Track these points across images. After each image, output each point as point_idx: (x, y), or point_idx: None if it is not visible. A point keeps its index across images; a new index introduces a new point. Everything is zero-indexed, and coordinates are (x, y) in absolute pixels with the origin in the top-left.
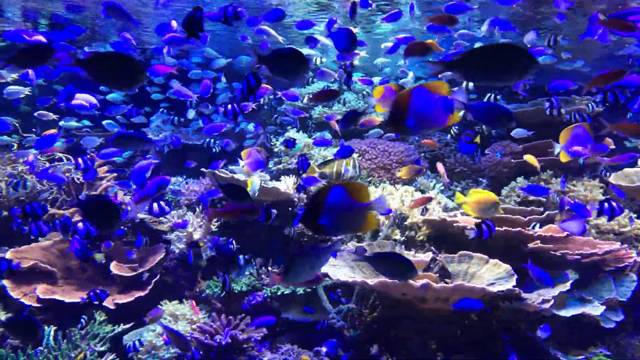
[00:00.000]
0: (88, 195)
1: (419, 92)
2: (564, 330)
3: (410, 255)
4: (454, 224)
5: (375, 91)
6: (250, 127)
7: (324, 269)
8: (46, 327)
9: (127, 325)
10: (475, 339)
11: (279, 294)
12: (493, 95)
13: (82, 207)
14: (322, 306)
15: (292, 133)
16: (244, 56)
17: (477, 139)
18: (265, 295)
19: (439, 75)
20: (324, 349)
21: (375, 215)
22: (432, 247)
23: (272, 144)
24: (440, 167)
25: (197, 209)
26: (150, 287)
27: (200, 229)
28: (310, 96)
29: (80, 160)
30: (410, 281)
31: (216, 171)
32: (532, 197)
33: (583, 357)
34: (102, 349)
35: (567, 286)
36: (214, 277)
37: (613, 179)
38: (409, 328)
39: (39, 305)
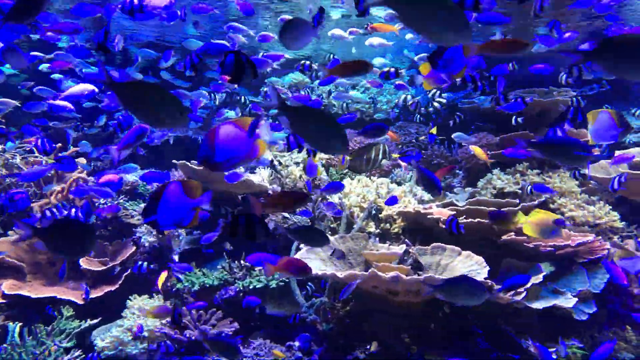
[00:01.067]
0: (53, 220)
1: (225, 129)
2: (538, 322)
3: (384, 247)
4: (428, 216)
5: (422, 68)
6: (232, 114)
7: None
8: (11, 324)
9: (95, 321)
10: (448, 331)
11: (251, 287)
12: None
13: (44, 234)
14: (295, 300)
15: None
16: (192, 39)
17: (434, 130)
18: (237, 289)
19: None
20: (296, 343)
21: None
22: (406, 240)
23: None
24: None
25: None
26: (120, 282)
27: None
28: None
29: (39, 141)
30: (380, 273)
31: (188, 163)
32: (508, 189)
33: (554, 349)
34: (68, 345)
35: (539, 278)
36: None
37: (589, 171)
38: (381, 321)
39: (4, 301)
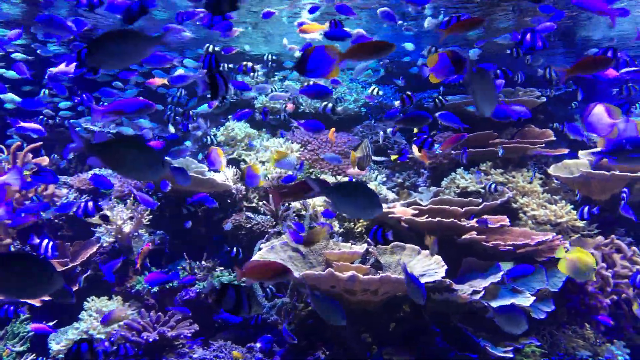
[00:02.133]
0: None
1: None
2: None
3: (346, 246)
4: (390, 215)
5: (429, 60)
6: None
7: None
8: None
9: (50, 324)
10: (408, 330)
11: None
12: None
13: None
14: (257, 301)
15: (232, 123)
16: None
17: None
18: (198, 290)
19: None
20: (258, 345)
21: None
22: (368, 239)
23: (213, 133)
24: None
25: (128, 201)
26: (80, 284)
27: (130, 222)
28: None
29: None
30: (337, 273)
31: None
32: (471, 188)
33: (511, 347)
34: (21, 349)
35: (498, 277)
36: (146, 272)
37: (552, 170)
38: None
39: None
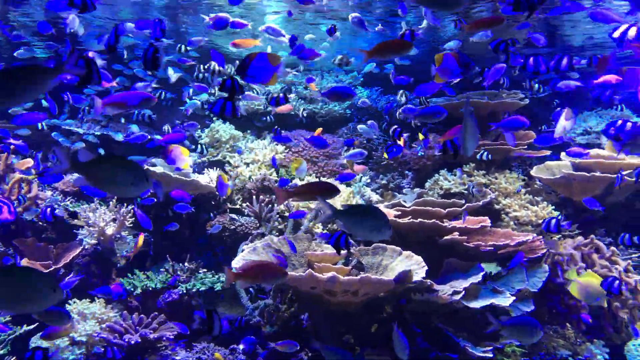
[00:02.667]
0: None
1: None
2: (481, 321)
3: (329, 247)
4: None
5: (435, 59)
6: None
7: (235, 264)
8: None
9: (32, 326)
10: (389, 331)
11: (193, 290)
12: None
13: None
14: (240, 303)
15: (217, 125)
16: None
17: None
18: (181, 292)
19: None
20: (241, 347)
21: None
22: (352, 240)
23: (198, 135)
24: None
25: (110, 202)
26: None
27: (113, 224)
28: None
29: None
30: (317, 274)
31: None
32: (454, 190)
33: (491, 347)
34: (2, 352)
35: (478, 278)
36: (129, 274)
37: (535, 171)
38: (323, 322)
39: None
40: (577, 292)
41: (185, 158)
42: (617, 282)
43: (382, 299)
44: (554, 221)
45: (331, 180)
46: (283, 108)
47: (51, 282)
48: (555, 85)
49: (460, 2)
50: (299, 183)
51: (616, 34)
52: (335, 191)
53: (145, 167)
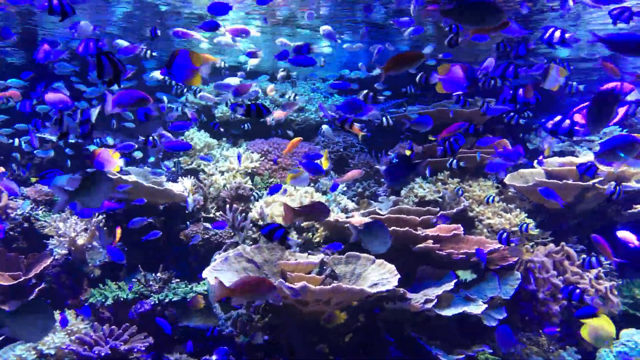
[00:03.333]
0: None
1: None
2: (455, 329)
3: (303, 256)
4: (346, 225)
5: (440, 69)
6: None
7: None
8: None
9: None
10: (362, 340)
11: (166, 301)
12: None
13: None
14: (213, 312)
15: (192, 132)
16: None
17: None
18: (154, 303)
19: None
20: (214, 357)
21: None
22: (325, 248)
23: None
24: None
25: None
26: (32, 297)
27: (85, 234)
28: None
29: None
30: (288, 284)
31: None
32: (429, 198)
33: (463, 356)
34: None
35: (451, 285)
36: (101, 284)
37: (508, 179)
38: (296, 332)
39: None
40: (587, 334)
41: (115, 161)
42: (578, 290)
43: (355, 307)
44: (505, 235)
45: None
46: (279, 114)
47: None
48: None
49: (499, 16)
50: (290, 190)
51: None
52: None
53: (118, 175)
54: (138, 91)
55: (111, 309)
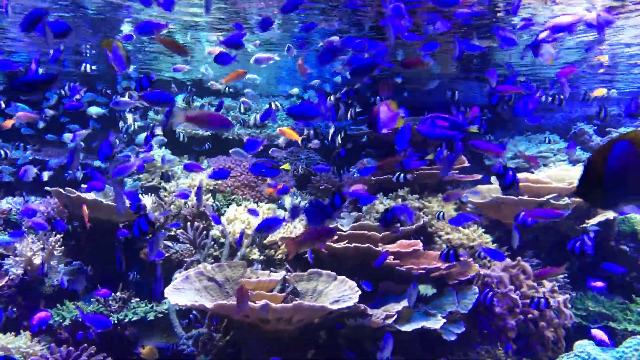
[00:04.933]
0: None
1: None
2: (416, 345)
3: (265, 274)
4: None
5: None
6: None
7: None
8: None
9: None
10: (324, 357)
11: (126, 320)
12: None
13: None
14: (174, 332)
15: (153, 149)
16: None
17: None
18: (113, 323)
19: None
20: None
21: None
22: (288, 266)
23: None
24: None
25: (40, 231)
26: None
27: (41, 253)
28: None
29: None
30: (250, 302)
31: (62, 190)
32: None
33: None
34: None
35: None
36: (58, 304)
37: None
38: (257, 350)
39: None
40: None
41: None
42: (543, 300)
43: (317, 325)
44: (451, 251)
45: (270, 205)
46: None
47: None
48: None
49: None
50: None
51: None
52: (332, 234)
53: (77, 193)
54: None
55: (69, 329)
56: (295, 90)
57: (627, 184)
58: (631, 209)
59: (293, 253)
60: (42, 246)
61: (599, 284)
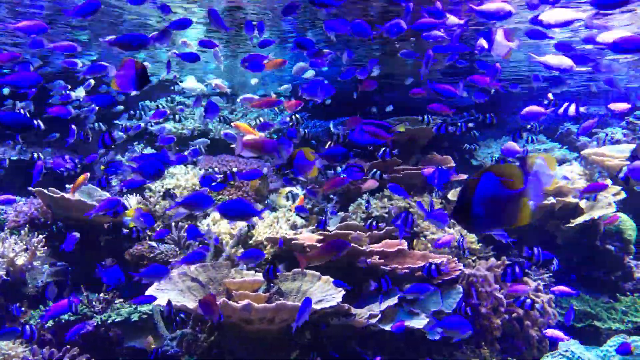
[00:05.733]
0: None
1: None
2: (401, 343)
3: (250, 274)
4: (293, 242)
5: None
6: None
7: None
8: None
9: None
10: (308, 357)
11: (109, 321)
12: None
13: None
14: (158, 333)
15: (138, 149)
16: None
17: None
18: (97, 324)
19: None
20: None
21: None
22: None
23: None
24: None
25: (22, 231)
26: None
27: (24, 254)
28: None
29: None
30: (231, 302)
31: (45, 190)
32: (375, 213)
33: None
34: None
35: (395, 300)
36: (41, 306)
37: (452, 195)
38: (242, 351)
39: None
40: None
41: None
42: (529, 300)
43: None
44: (433, 266)
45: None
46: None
47: None
48: None
49: None
50: None
51: None
52: (345, 247)
53: (61, 194)
54: None
55: (52, 330)
56: (255, 81)
57: (488, 214)
58: (498, 236)
59: (303, 266)
60: (24, 247)
61: (562, 288)
